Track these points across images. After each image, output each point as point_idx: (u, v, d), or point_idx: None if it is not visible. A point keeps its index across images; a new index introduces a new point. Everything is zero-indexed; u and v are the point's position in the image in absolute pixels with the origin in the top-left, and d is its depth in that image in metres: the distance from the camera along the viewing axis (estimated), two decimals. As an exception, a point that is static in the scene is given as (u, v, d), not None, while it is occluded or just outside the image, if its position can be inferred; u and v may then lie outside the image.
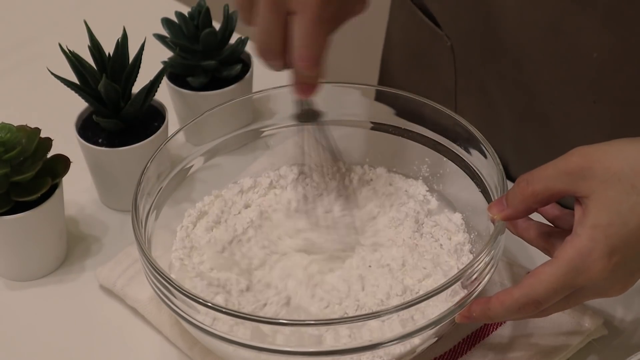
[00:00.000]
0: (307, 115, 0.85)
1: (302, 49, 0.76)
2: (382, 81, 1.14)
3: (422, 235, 0.88)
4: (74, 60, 0.92)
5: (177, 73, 1.01)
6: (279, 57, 0.78)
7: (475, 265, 0.76)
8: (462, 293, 0.76)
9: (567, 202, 0.77)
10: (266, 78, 0.96)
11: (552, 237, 0.78)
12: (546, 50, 0.89)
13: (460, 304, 0.76)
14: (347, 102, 0.93)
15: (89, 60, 0.93)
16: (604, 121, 0.89)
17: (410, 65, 1.07)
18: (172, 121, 0.99)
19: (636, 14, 0.83)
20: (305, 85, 0.80)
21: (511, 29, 0.91)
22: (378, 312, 0.73)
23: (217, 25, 1.01)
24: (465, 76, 0.99)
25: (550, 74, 0.91)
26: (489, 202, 0.84)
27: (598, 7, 0.84)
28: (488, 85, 0.98)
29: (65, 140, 0.93)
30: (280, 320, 0.75)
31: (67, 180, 0.90)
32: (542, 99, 0.93)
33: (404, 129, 0.92)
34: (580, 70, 0.88)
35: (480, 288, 0.77)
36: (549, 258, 0.74)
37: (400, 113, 0.92)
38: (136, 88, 0.95)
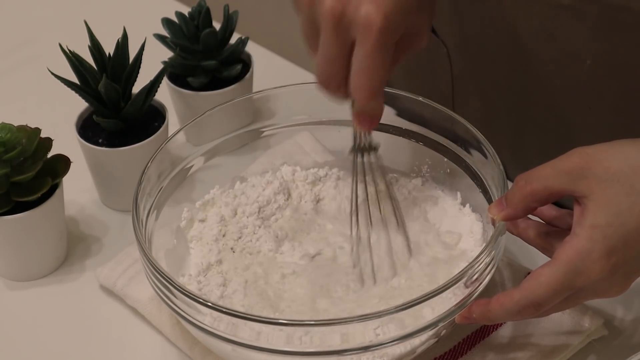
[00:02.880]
0: (364, 149, 0.83)
1: (361, 78, 0.74)
2: None
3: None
4: (74, 60, 0.92)
5: (178, 73, 1.01)
6: (340, 86, 0.76)
7: (476, 265, 0.76)
8: (463, 293, 0.76)
9: (566, 202, 0.77)
10: (266, 78, 0.96)
11: (551, 236, 0.78)
12: (540, 57, 0.90)
13: (460, 305, 0.76)
14: (347, 102, 0.93)
15: (89, 60, 0.93)
16: (600, 127, 0.90)
17: (407, 71, 1.07)
18: (172, 121, 0.99)
19: (627, 22, 0.83)
20: (366, 116, 0.78)
21: (506, 37, 0.91)
22: (378, 312, 0.73)
23: (217, 25, 1.01)
24: (462, 82, 0.99)
25: (545, 81, 0.91)
26: (489, 203, 0.84)
27: (590, 16, 0.84)
28: (485, 91, 0.98)
29: (66, 140, 0.93)
30: (280, 320, 0.75)
31: (67, 180, 0.90)
32: (538, 105, 0.93)
33: (404, 129, 0.92)
34: (575, 77, 0.88)
35: (481, 288, 0.78)
36: (549, 258, 0.74)
37: (401, 113, 0.92)
38: (136, 88, 0.95)
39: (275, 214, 0.91)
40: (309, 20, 0.75)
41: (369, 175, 0.84)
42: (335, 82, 0.76)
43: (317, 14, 0.74)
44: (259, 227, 0.89)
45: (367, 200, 0.85)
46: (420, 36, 0.79)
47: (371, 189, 0.85)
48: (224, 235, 0.89)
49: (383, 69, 0.74)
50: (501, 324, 0.85)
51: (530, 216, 0.80)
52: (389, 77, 0.76)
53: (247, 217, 0.90)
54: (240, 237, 0.89)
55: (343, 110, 0.93)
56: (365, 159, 0.84)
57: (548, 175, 0.74)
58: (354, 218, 0.84)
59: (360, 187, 0.84)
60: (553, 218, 0.80)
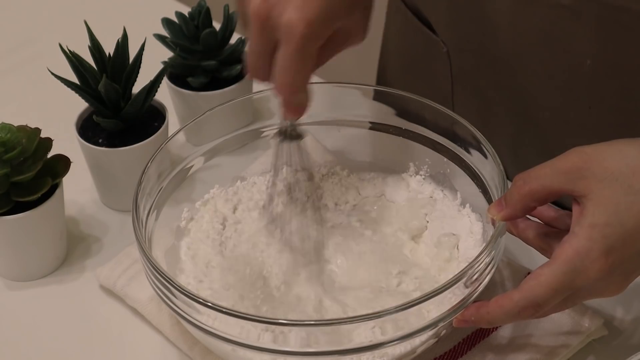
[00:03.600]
0: (290, 135, 0.85)
1: (282, 75, 0.76)
2: (379, 85, 1.14)
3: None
4: (74, 60, 0.92)
5: (178, 73, 1.01)
6: (266, 77, 0.78)
7: (476, 265, 0.76)
8: (463, 293, 0.76)
9: (565, 202, 0.77)
10: (266, 78, 0.96)
11: (549, 237, 0.78)
12: (540, 57, 0.90)
13: (460, 305, 0.76)
14: (347, 102, 0.93)
15: (89, 60, 0.93)
16: (600, 127, 0.90)
17: (407, 71, 1.07)
18: (172, 121, 0.99)
19: (627, 23, 0.83)
20: (292, 107, 0.80)
21: (506, 36, 0.91)
22: (378, 312, 0.73)
23: (217, 25, 1.01)
24: (462, 82, 1.00)
25: (545, 81, 0.91)
26: (489, 203, 0.84)
27: (589, 16, 0.84)
28: (484, 91, 0.98)
29: (66, 140, 0.93)
30: (280, 320, 0.75)
31: (67, 180, 0.90)
32: (537, 105, 0.93)
33: (404, 129, 0.92)
34: (574, 77, 0.88)
35: (481, 288, 0.78)
36: (548, 259, 0.74)
37: (401, 113, 0.92)
38: (136, 88, 0.95)
39: (276, 211, 0.91)
40: (242, 15, 0.78)
41: (291, 161, 0.86)
42: (262, 74, 0.78)
43: (247, 10, 0.76)
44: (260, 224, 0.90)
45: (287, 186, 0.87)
46: (356, 34, 0.80)
47: (291, 177, 0.87)
48: (224, 235, 0.89)
49: (304, 70, 0.76)
50: (501, 324, 0.85)
51: (529, 217, 0.80)
52: (313, 72, 0.78)
53: (249, 211, 0.90)
54: (239, 236, 0.89)
55: (343, 110, 0.93)
56: (290, 145, 0.85)
57: (546, 174, 0.74)
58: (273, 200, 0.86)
59: (280, 173, 0.87)
60: (552, 219, 0.80)
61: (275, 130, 0.88)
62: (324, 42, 0.76)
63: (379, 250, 0.87)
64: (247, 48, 0.79)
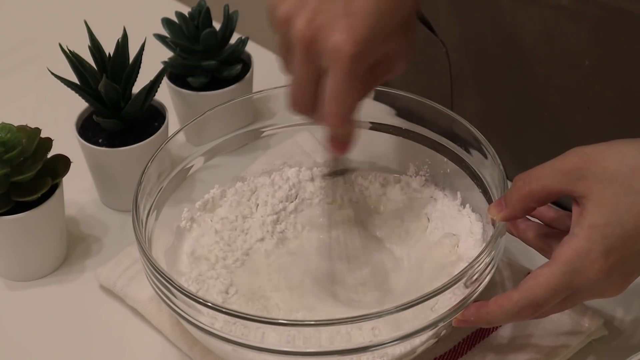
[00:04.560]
0: (338, 173, 0.85)
1: (331, 105, 0.74)
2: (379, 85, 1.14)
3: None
4: (74, 60, 0.92)
5: (178, 73, 1.01)
6: (312, 110, 0.76)
7: (476, 266, 0.76)
8: (463, 293, 0.76)
9: (565, 202, 0.77)
10: (266, 78, 0.96)
11: (549, 238, 0.78)
12: (539, 57, 0.90)
13: (460, 305, 0.76)
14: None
15: (89, 60, 0.93)
16: (599, 127, 0.90)
17: (407, 71, 1.06)
18: (172, 121, 0.99)
19: (625, 24, 0.83)
20: (338, 142, 0.78)
21: (505, 37, 0.91)
22: (378, 312, 0.73)
23: (217, 25, 1.01)
24: (461, 82, 0.99)
25: (544, 81, 0.91)
26: (489, 203, 0.84)
27: (588, 17, 0.84)
28: (483, 91, 0.98)
29: (66, 140, 0.93)
30: (280, 321, 0.75)
31: (67, 180, 0.90)
32: (536, 106, 0.93)
33: (404, 129, 0.92)
34: (574, 77, 0.89)
35: (481, 288, 0.78)
36: (548, 259, 0.74)
37: (401, 113, 0.92)
38: (136, 88, 0.95)
39: (284, 217, 0.91)
40: (284, 42, 0.75)
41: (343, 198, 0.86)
42: (307, 106, 0.76)
43: (290, 37, 0.74)
44: (267, 228, 0.90)
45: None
46: (398, 62, 0.78)
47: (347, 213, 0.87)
48: (230, 238, 0.89)
49: (353, 97, 0.74)
50: (501, 324, 0.85)
51: (529, 217, 0.80)
52: (361, 103, 0.76)
53: (260, 216, 0.90)
54: (245, 239, 0.89)
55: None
56: (339, 181, 0.85)
57: (546, 175, 0.74)
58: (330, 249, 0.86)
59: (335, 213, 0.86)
60: (552, 220, 0.80)
61: (299, 123, 0.88)
62: (369, 68, 0.74)
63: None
64: (289, 79, 0.75)
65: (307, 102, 0.76)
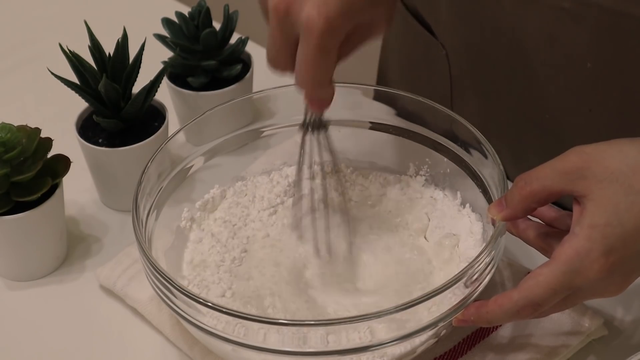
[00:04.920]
0: (314, 125, 0.84)
1: (304, 71, 0.75)
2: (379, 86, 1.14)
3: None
4: (74, 60, 0.92)
5: (178, 73, 1.01)
6: (286, 70, 0.77)
7: (476, 265, 0.76)
8: (463, 293, 0.76)
9: (566, 202, 0.77)
10: (266, 78, 0.95)
11: (550, 237, 0.78)
12: (541, 59, 0.90)
13: (460, 305, 0.76)
14: (347, 102, 0.93)
15: (89, 60, 0.93)
16: (600, 129, 0.90)
17: (407, 73, 1.07)
18: (172, 121, 0.99)
19: (627, 27, 0.83)
20: (315, 101, 0.79)
21: (505, 39, 0.91)
22: (378, 312, 0.73)
23: (217, 25, 1.01)
24: (461, 84, 0.99)
25: (546, 83, 0.91)
26: (489, 203, 0.84)
27: (590, 19, 0.84)
28: (483, 93, 0.98)
29: (66, 140, 0.93)
30: (280, 321, 0.75)
31: (67, 180, 0.90)
32: (538, 108, 0.93)
33: (404, 129, 0.92)
34: (575, 80, 0.88)
35: (481, 288, 0.78)
36: (548, 258, 0.74)
37: (401, 113, 0.92)
38: (136, 88, 0.95)
39: (281, 214, 0.91)
40: (263, 8, 0.77)
41: (317, 154, 0.86)
42: (282, 66, 0.77)
43: (266, 4, 0.75)
44: (267, 224, 0.90)
45: (314, 184, 0.87)
46: (377, 27, 0.79)
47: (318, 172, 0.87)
48: (230, 237, 0.89)
49: (325, 66, 0.75)
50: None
51: (530, 217, 0.80)
52: (334, 68, 0.76)
53: (258, 212, 0.90)
54: (245, 240, 0.89)
55: (343, 110, 0.93)
56: (315, 136, 0.85)
57: (547, 175, 0.74)
58: (298, 201, 0.86)
59: (307, 168, 0.86)
60: (552, 219, 0.80)
61: (299, 123, 0.86)
62: (345, 38, 0.75)
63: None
64: (267, 40, 0.77)
65: (282, 62, 0.77)
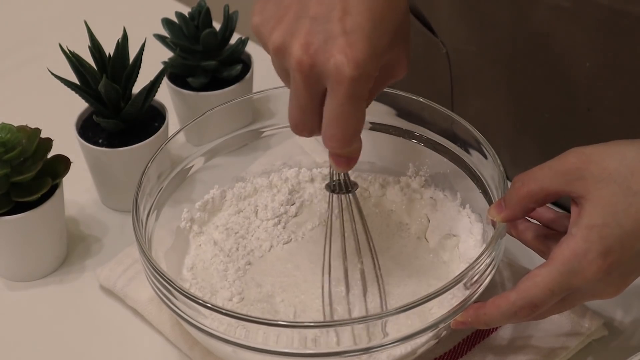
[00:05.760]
0: (339, 187, 0.81)
1: (333, 127, 0.70)
2: None
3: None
4: (74, 60, 0.92)
5: (178, 73, 1.01)
6: (314, 132, 0.73)
7: (476, 267, 0.76)
8: (463, 295, 0.76)
9: (565, 202, 0.77)
10: (266, 78, 0.95)
11: (548, 239, 0.78)
12: (539, 58, 0.90)
13: (461, 306, 0.76)
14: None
15: (89, 60, 0.93)
16: (599, 129, 0.90)
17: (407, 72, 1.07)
18: (173, 121, 0.99)
19: (626, 26, 0.83)
20: (342, 158, 0.75)
21: (505, 38, 0.91)
22: (378, 313, 0.73)
23: (217, 25, 1.01)
24: (461, 83, 0.99)
25: (544, 82, 0.91)
26: (489, 203, 0.84)
27: (589, 19, 0.84)
28: (483, 92, 0.98)
29: (66, 141, 0.93)
30: (280, 322, 0.75)
31: (67, 181, 0.90)
32: (537, 107, 0.93)
33: (404, 129, 0.92)
34: (574, 79, 0.88)
35: (481, 289, 0.78)
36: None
37: (401, 113, 0.92)
38: (136, 88, 0.95)
39: (287, 219, 0.91)
40: (280, 67, 0.73)
41: (345, 216, 0.82)
42: (308, 129, 0.73)
43: (287, 63, 0.71)
44: (270, 229, 0.90)
45: (343, 250, 0.83)
46: (398, 68, 0.76)
47: (348, 232, 0.83)
48: (235, 243, 0.89)
49: (357, 118, 0.71)
50: (501, 324, 0.85)
51: (528, 219, 0.80)
52: (364, 121, 0.72)
53: (262, 222, 0.90)
54: (248, 246, 0.89)
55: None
56: (342, 198, 0.82)
57: (545, 176, 0.74)
58: (326, 270, 0.83)
59: (336, 232, 0.83)
60: (551, 221, 0.80)
61: (325, 182, 0.84)
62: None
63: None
64: (289, 103, 0.72)
65: (309, 124, 0.72)
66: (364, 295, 0.82)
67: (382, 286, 0.82)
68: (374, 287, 0.83)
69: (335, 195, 0.82)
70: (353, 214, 0.82)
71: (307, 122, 0.72)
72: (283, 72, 0.73)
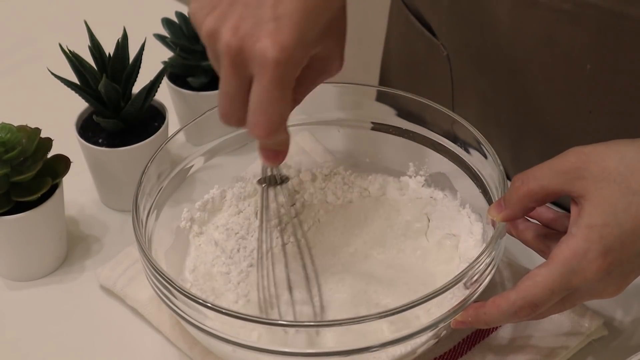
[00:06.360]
0: (273, 180, 0.81)
1: (257, 113, 0.70)
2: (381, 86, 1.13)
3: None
4: (74, 60, 0.92)
5: (178, 73, 1.01)
6: (242, 122, 0.71)
7: (476, 266, 0.76)
8: (463, 294, 0.76)
9: (565, 202, 0.77)
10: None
11: (548, 239, 0.78)
12: (540, 61, 0.90)
13: (461, 306, 0.76)
14: (348, 102, 0.93)
15: (89, 60, 0.93)
16: (600, 131, 0.90)
17: (408, 74, 1.07)
18: (173, 121, 0.99)
19: (627, 28, 0.83)
20: (271, 151, 0.74)
21: (505, 41, 0.91)
22: (379, 313, 0.73)
23: (217, 25, 1.01)
24: (462, 85, 0.99)
25: (546, 85, 0.91)
26: (489, 203, 0.84)
27: (589, 21, 0.84)
28: (484, 94, 0.98)
29: (66, 140, 0.93)
30: (280, 322, 0.75)
31: (67, 180, 0.90)
32: (538, 109, 0.93)
33: (404, 129, 0.92)
34: (575, 82, 0.88)
35: (481, 289, 0.78)
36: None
37: (401, 114, 0.92)
38: (136, 88, 0.95)
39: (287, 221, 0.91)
40: (213, 53, 0.72)
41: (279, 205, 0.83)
42: (236, 118, 0.72)
43: (217, 48, 0.71)
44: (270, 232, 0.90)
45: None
46: (333, 62, 0.75)
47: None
48: (236, 244, 0.89)
49: (281, 105, 0.70)
50: (501, 324, 0.85)
51: (528, 219, 0.80)
52: (290, 110, 0.72)
53: (261, 223, 0.90)
54: (247, 247, 0.89)
55: (343, 110, 0.93)
56: (275, 191, 0.82)
57: (544, 175, 0.74)
58: (263, 258, 0.83)
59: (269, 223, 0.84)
60: (551, 221, 0.80)
61: (258, 178, 0.84)
62: (300, 74, 0.71)
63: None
64: (218, 92, 0.71)
65: (237, 114, 0.71)
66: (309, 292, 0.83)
67: (317, 282, 0.83)
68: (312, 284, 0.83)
69: (269, 189, 0.82)
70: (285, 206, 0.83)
71: (235, 111, 0.71)
72: (215, 60, 0.72)
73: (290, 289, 0.82)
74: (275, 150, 0.75)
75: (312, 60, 0.72)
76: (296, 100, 0.75)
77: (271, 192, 0.82)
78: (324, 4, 0.71)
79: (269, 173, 0.81)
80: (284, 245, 0.85)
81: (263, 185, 0.82)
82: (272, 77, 0.68)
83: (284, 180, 0.82)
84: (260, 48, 0.68)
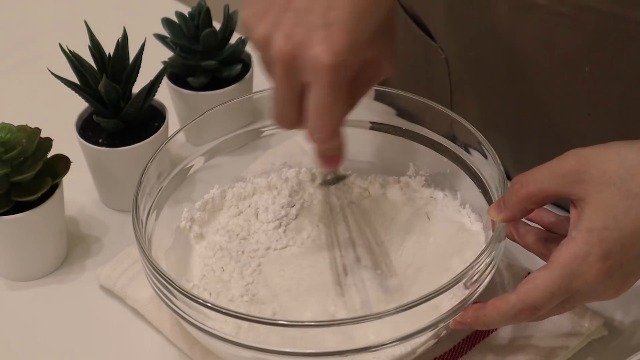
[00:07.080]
0: (332, 182, 0.85)
1: (315, 120, 0.72)
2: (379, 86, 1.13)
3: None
4: (74, 60, 0.92)
5: (178, 73, 1.01)
6: (297, 125, 0.74)
7: (476, 266, 0.76)
8: (463, 294, 0.76)
9: (566, 203, 0.77)
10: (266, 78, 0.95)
11: (549, 242, 0.78)
12: (539, 64, 0.89)
13: (460, 306, 0.76)
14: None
15: (89, 60, 0.93)
16: (600, 133, 0.89)
17: (406, 76, 1.06)
18: (173, 121, 0.99)
19: (625, 31, 0.83)
20: (328, 157, 0.78)
21: (504, 43, 0.91)
22: (379, 313, 0.73)
23: (217, 25, 1.01)
24: (460, 89, 0.99)
25: (544, 88, 0.91)
26: (489, 203, 0.84)
27: (588, 24, 0.84)
28: (483, 97, 0.98)
29: (66, 140, 0.93)
30: (280, 321, 0.75)
31: (67, 180, 0.90)
32: (537, 112, 0.93)
33: (404, 129, 0.92)
34: (574, 84, 0.88)
35: (481, 289, 0.78)
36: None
37: (401, 113, 0.92)
38: (136, 88, 0.95)
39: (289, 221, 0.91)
40: (266, 61, 0.74)
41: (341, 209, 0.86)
42: (291, 122, 0.74)
43: (270, 55, 0.72)
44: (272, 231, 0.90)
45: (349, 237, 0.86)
46: (384, 66, 0.77)
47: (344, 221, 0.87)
48: (239, 245, 0.89)
49: (338, 109, 0.72)
50: (501, 324, 0.85)
51: (529, 222, 0.80)
52: (347, 115, 0.74)
53: (262, 224, 0.90)
54: (248, 247, 0.89)
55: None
56: (335, 190, 0.85)
57: (544, 177, 0.74)
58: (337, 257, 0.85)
59: (336, 225, 0.87)
60: (551, 224, 0.80)
61: (319, 181, 0.88)
62: (354, 77, 0.73)
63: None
64: (272, 96, 0.74)
65: (292, 118, 0.74)
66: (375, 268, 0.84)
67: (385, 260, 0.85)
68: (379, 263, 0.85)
69: (331, 188, 0.85)
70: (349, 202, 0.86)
71: (288, 114, 0.74)
72: (267, 66, 0.74)
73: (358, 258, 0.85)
74: (332, 155, 0.77)
75: (364, 64, 0.74)
76: (352, 104, 0.77)
77: (332, 189, 0.85)
78: (373, 8, 0.72)
79: (326, 177, 0.85)
80: (350, 235, 0.87)
81: (324, 186, 0.86)
82: (327, 83, 0.70)
83: (341, 178, 0.85)
84: (313, 55, 0.70)
